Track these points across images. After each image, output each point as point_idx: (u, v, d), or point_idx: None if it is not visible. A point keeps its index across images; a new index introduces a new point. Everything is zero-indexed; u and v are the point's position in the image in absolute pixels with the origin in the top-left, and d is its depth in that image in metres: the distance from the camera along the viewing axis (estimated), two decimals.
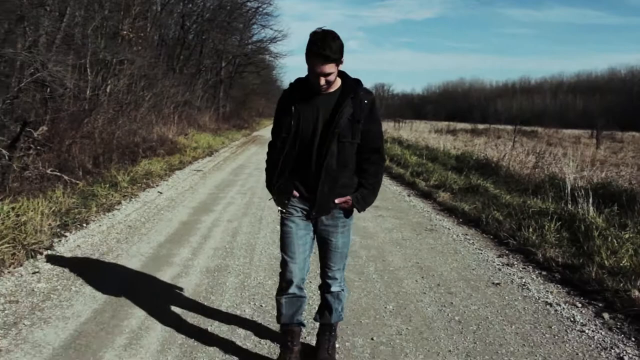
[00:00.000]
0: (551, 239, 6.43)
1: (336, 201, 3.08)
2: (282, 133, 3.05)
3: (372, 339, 3.74)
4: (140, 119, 17.80)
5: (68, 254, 5.49)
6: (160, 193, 9.59)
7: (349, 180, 3.12)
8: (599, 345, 3.80)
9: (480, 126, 54.08)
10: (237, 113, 43.78)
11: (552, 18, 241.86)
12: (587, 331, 4.03)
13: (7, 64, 10.42)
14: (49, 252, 5.50)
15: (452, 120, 73.91)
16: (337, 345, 3.51)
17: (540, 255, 5.95)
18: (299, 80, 3.13)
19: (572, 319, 4.26)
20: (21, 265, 4.98)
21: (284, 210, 3.14)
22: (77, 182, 9.38)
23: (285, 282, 3.15)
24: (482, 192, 9.91)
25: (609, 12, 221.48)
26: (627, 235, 6.25)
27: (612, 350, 3.71)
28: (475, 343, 3.73)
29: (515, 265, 5.79)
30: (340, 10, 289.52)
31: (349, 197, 3.10)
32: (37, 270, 4.90)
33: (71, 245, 5.83)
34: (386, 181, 12.57)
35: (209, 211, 8.09)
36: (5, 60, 10.25)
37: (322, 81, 2.90)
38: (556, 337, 3.91)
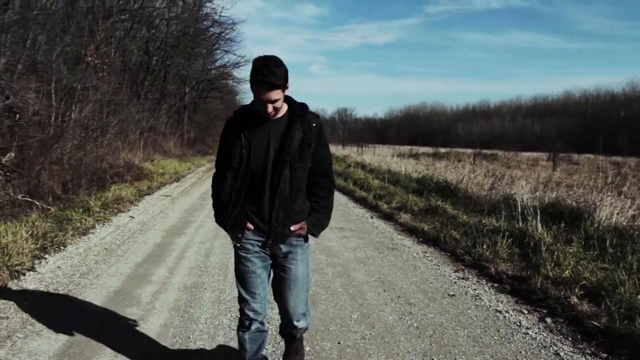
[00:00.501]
0: (503, 254, 6.96)
1: (292, 228, 3.05)
2: (233, 164, 2.97)
3: (339, 343, 4.15)
4: (107, 145, 17.96)
5: (50, 275, 5.78)
6: (132, 217, 9.86)
7: (302, 205, 3.11)
8: (540, 344, 4.28)
9: (442, 150, 55.36)
10: (202, 138, 43.93)
11: (509, 42, 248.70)
12: (530, 333, 4.52)
13: None
14: (32, 273, 5.78)
15: (414, 144, 75.23)
16: (307, 348, 3.88)
17: (492, 269, 6.46)
18: (244, 107, 3.11)
19: (518, 324, 4.75)
20: (6, 286, 5.25)
21: (239, 245, 3.07)
22: (49, 207, 9.60)
23: (247, 319, 3.11)
24: (441, 213, 10.45)
25: (564, 37, 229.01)
26: (571, 250, 6.81)
27: (551, 348, 4.20)
28: (431, 345, 4.18)
29: (470, 279, 6.29)
30: (300, 35, 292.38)
31: (303, 223, 3.09)
32: (22, 289, 5.18)
33: (52, 266, 6.11)
34: (350, 204, 13.06)
35: (181, 234, 8.42)
36: None
37: (270, 108, 2.87)
38: (503, 338, 4.39)
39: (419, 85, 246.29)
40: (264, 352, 3.28)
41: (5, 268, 5.49)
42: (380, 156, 33.17)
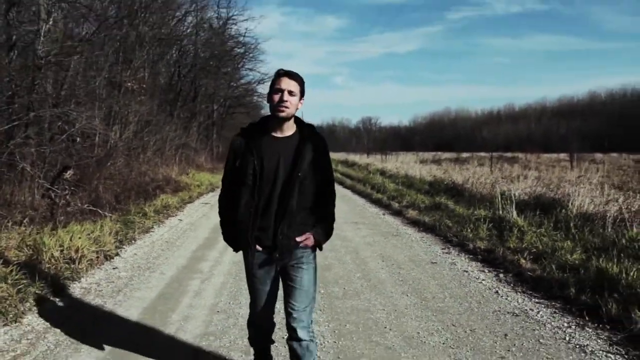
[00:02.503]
0: (483, 235, 8.71)
1: (297, 239, 3.09)
2: (247, 181, 3.02)
3: (344, 288, 5.98)
4: (147, 162, 20.05)
5: (131, 258, 7.69)
6: (181, 220, 11.81)
7: (307, 217, 3.15)
8: (487, 288, 6.06)
9: (465, 154, 56.56)
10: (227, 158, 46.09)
11: (531, 46, 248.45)
12: (483, 282, 6.30)
13: (38, 119, 12.61)
14: (117, 257, 7.70)
15: (440, 150, 75.94)
16: (321, 291, 5.65)
17: (471, 246, 8.22)
18: (252, 124, 3.20)
19: (477, 277, 6.53)
20: (102, 266, 7.16)
21: (250, 260, 3.17)
22: (109, 214, 11.57)
23: (255, 318, 3.37)
24: (443, 208, 12.18)
25: (587, 37, 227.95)
26: (537, 230, 8.53)
27: (494, 289, 5.97)
28: (409, 288, 5.98)
29: (452, 253, 8.07)
30: (323, 48, 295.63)
31: (309, 234, 3.14)
32: (115, 267, 7.10)
33: (130, 253, 8.04)
34: (366, 205, 14.87)
35: None
36: (40, 116, 12.47)
37: (285, 95, 2.95)
38: (463, 285, 6.17)
39: (443, 91, 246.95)
40: (270, 340, 3.58)
41: (101, 253, 7.42)
42: (403, 163, 34.85)
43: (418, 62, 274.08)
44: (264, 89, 43.69)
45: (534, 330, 4.69)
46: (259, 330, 3.42)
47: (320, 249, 3.24)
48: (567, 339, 4.47)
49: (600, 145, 63.72)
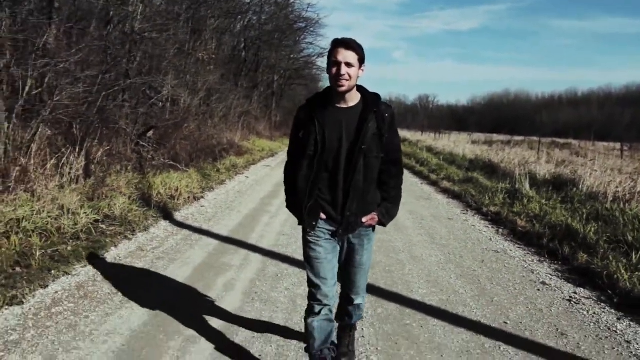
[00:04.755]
0: (497, 202, 10.51)
1: (363, 220, 3.08)
2: (308, 151, 2.97)
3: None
4: (214, 127, 22.30)
5: (213, 201, 9.86)
6: (247, 177, 13.98)
7: (375, 196, 3.13)
8: (485, 237, 7.95)
9: (518, 138, 57.04)
10: (287, 122, 48.34)
11: (596, 28, 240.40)
12: (484, 233, 8.18)
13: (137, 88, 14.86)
14: (202, 199, 9.87)
15: (497, 132, 75.59)
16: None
17: (485, 210, 10.05)
18: (317, 94, 3.14)
19: (480, 230, 8.41)
20: (192, 204, 9.33)
21: (310, 232, 3.10)
22: (186, 169, 13.81)
23: (319, 304, 3.09)
24: (474, 181, 13.95)
25: None
26: (544, 201, 10.27)
27: (489, 237, 7.85)
28: (425, 232, 7.92)
29: (468, 214, 9.94)
30: (383, 21, 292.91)
31: (374, 214, 3.12)
32: (202, 206, 9.27)
33: (211, 198, 10.21)
34: (408, 175, 16.73)
35: (282, 187, 12.41)
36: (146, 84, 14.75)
37: (343, 69, 2.86)
38: (467, 233, 8.07)
39: (504, 72, 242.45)
40: (333, 339, 3.15)
41: (192, 195, 9.62)
42: (454, 142, 36.20)
43: (479, 41, 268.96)
44: (323, 62, 45.35)
45: (504, 260, 6.60)
46: (324, 321, 3.08)
47: (384, 226, 3.26)
48: (525, 266, 6.37)
49: None
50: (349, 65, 2.85)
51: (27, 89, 8.56)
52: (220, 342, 3.81)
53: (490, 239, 7.79)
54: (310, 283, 3.12)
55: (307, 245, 3.11)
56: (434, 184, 14.49)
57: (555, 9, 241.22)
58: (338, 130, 2.95)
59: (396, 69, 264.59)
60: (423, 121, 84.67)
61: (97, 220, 6.67)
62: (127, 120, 13.70)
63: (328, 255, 3.08)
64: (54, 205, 6.65)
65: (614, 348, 4.08)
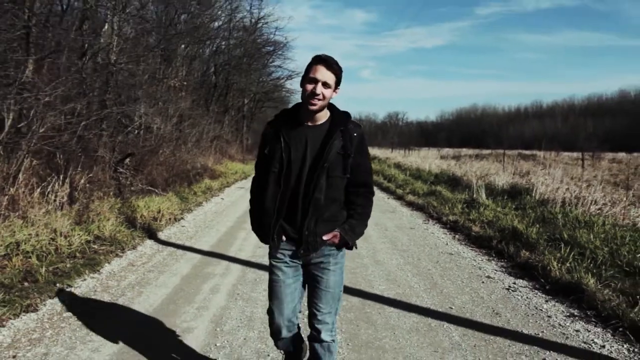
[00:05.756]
0: (456, 212, 11.39)
1: (324, 237, 2.94)
2: (273, 168, 2.90)
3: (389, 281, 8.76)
4: (188, 152, 22.95)
5: (192, 221, 10.56)
6: (223, 199, 14.69)
7: (337, 214, 3.01)
8: (442, 242, 8.79)
9: (486, 151, 58.49)
10: (258, 145, 49.08)
11: (561, 42, 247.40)
12: (441, 239, 9.04)
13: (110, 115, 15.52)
14: (182, 220, 10.56)
15: (465, 146, 77.01)
16: None
17: (444, 219, 10.92)
18: (285, 110, 3.08)
19: (438, 237, 9.27)
20: (174, 225, 10.02)
21: (274, 254, 3.02)
22: (164, 193, 14.48)
23: (273, 331, 3.11)
24: (437, 194, 14.86)
25: (619, 34, 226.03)
26: (498, 209, 11.18)
27: (445, 242, 8.69)
28: (388, 240, 8.73)
29: (429, 223, 10.80)
30: (351, 41, 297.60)
31: (336, 231, 2.97)
32: (183, 225, 9.97)
33: (190, 219, 10.91)
34: (375, 191, 17.61)
35: None
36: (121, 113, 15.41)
37: (319, 89, 2.78)
38: (426, 240, 8.90)
39: (471, 87, 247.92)
40: (298, 341, 3.26)
41: (173, 217, 10.31)
42: (423, 158, 37.28)
43: (446, 57, 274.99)
44: (292, 84, 46.39)
45: (457, 260, 7.45)
46: (282, 336, 3.11)
47: (350, 248, 3.06)
48: (475, 264, 7.23)
49: (624, 145, 64.65)
50: (325, 85, 2.80)
51: (9, 122, 9.19)
52: (212, 329, 4.55)
53: (447, 244, 8.64)
54: (269, 310, 3.08)
55: (270, 268, 3.06)
56: (399, 198, 15.37)
57: (519, 25, 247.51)
58: (303, 147, 2.89)
59: (365, 88, 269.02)
60: (392, 138, 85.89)
61: (88, 241, 7.35)
62: (106, 149, 14.30)
63: (287, 279, 3.01)
64: (47, 229, 7.30)
65: (536, 322, 4.93)
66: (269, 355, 4.03)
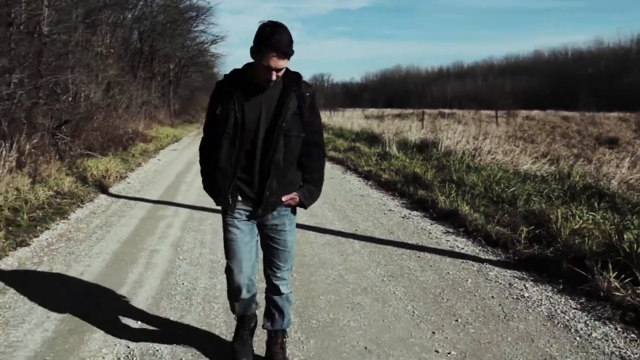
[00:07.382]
0: (371, 163, 13.02)
1: (283, 199, 3.01)
2: (227, 129, 2.88)
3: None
4: (119, 118, 23.61)
5: (136, 178, 11.72)
6: (159, 160, 15.80)
7: (295, 176, 3.08)
8: (356, 187, 10.38)
9: (408, 111, 60.63)
10: (186, 109, 49.66)
11: (481, 4, 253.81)
12: (355, 184, 10.62)
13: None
14: (127, 177, 11.70)
15: (390, 106, 78.62)
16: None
17: (360, 170, 12.54)
18: (236, 70, 3.03)
19: (353, 184, 10.85)
20: (121, 182, 11.15)
21: (228, 213, 3.05)
22: (102, 157, 15.44)
23: (233, 290, 3.16)
24: (356, 150, 16.48)
25: None
26: (407, 160, 12.87)
27: (359, 187, 10.28)
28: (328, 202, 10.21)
29: (347, 174, 12.41)
30: (275, 3, 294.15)
31: (295, 194, 3.05)
32: (129, 182, 11.12)
33: (134, 176, 12.06)
34: None
35: (193, 164, 14.37)
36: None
37: (274, 76, 2.80)
38: (342, 186, 10.45)
39: (395, 48, 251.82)
40: (254, 306, 3.33)
41: (119, 175, 11.45)
42: (347, 118, 38.74)
43: (370, 18, 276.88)
44: (217, 49, 46.86)
45: (367, 200, 9.08)
46: (241, 296, 3.16)
47: (305, 208, 3.17)
48: (381, 202, 8.88)
49: (539, 103, 68.10)
50: (278, 71, 2.82)
51: None
52: (173, 250, 5.96)
53: (360, 188, 10.26)
54: (227, 269, 3.13)
55: (225, 227, 3.09)
56: None
57: None
58: (257, 108, 2.89)
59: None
60: (318, 100, 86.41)
61: (51, 195, 8.48)
62: (45, 117, 15.07)
63: (245, 237, 3.05)
64: (11, 187, 8.38)
65: (420, 237, 6.61)
66: (219, 261, 5.44)
